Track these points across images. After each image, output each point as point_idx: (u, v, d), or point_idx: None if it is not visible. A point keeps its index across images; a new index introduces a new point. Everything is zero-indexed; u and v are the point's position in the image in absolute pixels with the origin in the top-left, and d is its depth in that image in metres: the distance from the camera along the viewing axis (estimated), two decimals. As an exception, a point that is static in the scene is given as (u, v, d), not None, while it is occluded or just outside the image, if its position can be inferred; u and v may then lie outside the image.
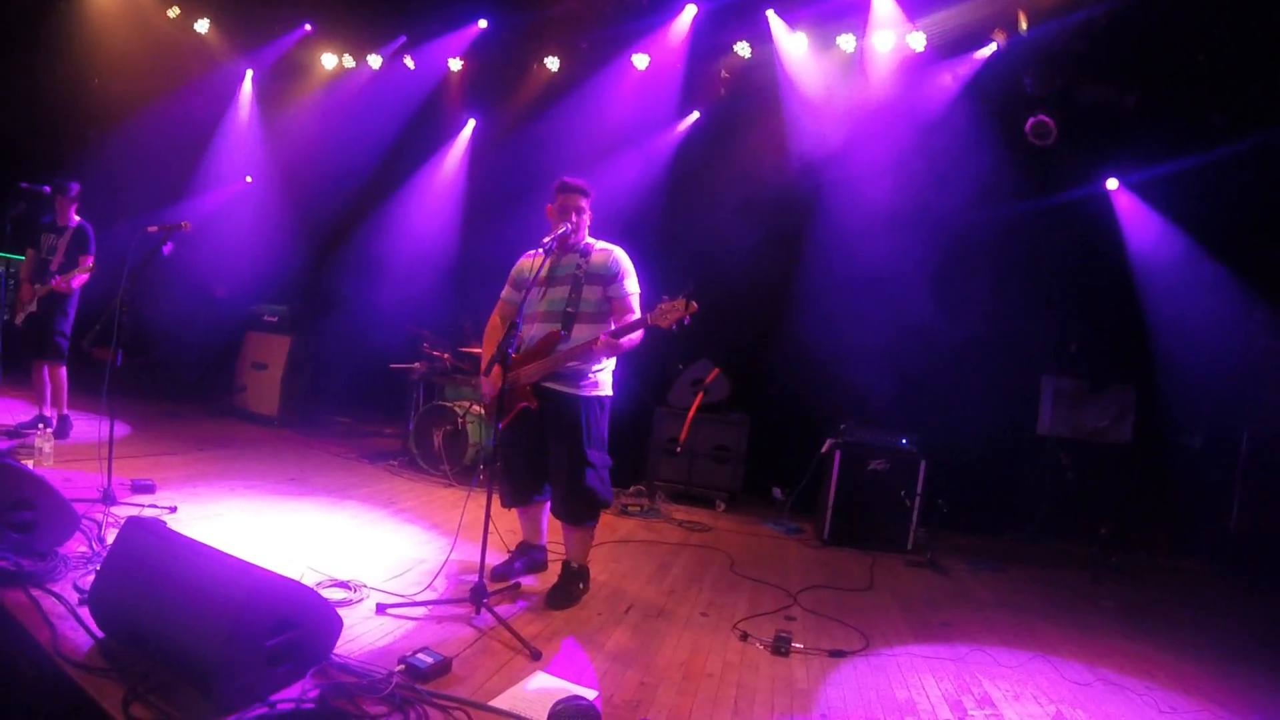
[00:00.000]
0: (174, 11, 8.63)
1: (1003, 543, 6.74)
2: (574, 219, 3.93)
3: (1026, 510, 7.00)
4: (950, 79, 6.98)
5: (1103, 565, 5.92)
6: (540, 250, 3.84)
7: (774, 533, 6.33)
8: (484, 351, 4.20)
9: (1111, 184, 7.07)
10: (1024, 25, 6.42)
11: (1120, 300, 6.88)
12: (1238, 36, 6.01)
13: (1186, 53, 6.24)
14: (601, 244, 4.05)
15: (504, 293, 4.23)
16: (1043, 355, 7.01)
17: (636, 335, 3.80)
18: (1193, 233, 6.72)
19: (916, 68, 7.00)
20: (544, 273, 3.99)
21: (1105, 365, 6.84)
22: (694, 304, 3.52)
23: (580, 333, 3.87)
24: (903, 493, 6.02)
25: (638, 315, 3.85)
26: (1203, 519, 6.67)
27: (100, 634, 2.81)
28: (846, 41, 7.09)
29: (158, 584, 2.71)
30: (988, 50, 6.80)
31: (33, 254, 6.16)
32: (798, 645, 3.69)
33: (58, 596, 3.06)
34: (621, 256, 4.01)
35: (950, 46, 6.89)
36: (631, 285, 3.96)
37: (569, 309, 3.90)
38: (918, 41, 6.81)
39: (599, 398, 4.00)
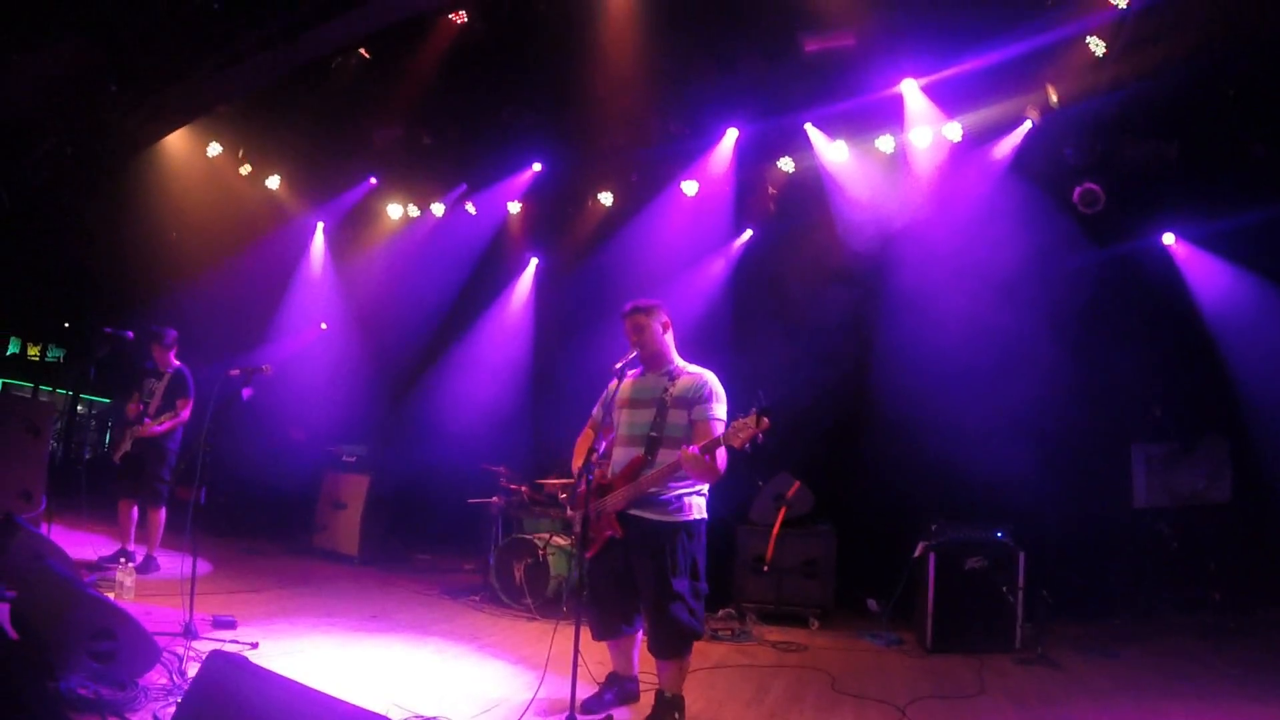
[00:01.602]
0: (246, 168, 9.24)
1: (1113, 626, 6.27)
2: (636, 339, 3.93)
3: (1133, 588, 6.52)
4: (994, 161, 7.04)
5: (1221, 632, 5.51)
6: (626, 372, 3.87)
7: (873, 646, 5.98)
8: (574, 463, 4.14)
9: (1168, 239, 6.95)
10: (1054, 99, 6.48)
11: (1197, 355, 6.66)
12: (1260, 64, 5.95)
13: (1215, 91, 6.18)
14: (692, 368, 4.00)
15: (595, 412, 4.23)
16: (1128, 423, 6.71)
17: (723, 456, 3.63)
18: (1262, 273, 6.52)
19: (957, 156, 7.08)
20: (624, 394, 3.98)
21: (1192, 423, 6.51)
22: (765, 420, 3.40)
23: (665, 458, 3.76)
24: (1004, 589, 5.67)
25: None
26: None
27: None
28: (885, 143, 7.26)
29: (241, 718, 2.65)
30: (1024, 129, 6.87)
31: (137, 397, 6.44)
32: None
33: None
34: (710, 380, 3.91)
35: (987, 131, 6.99)
36: (718, 410, 3.80)
37: (653, 433, 3.82)
38: (954, 132, 6.93)
39: (688, 523, 3.83)
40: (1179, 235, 6.96)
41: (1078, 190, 6.69)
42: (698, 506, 3.88)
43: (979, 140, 7.03)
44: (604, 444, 4.08)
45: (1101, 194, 6.62)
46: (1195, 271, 6.90)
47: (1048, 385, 6.68)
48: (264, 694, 2.70)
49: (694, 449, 3.54)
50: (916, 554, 6.03)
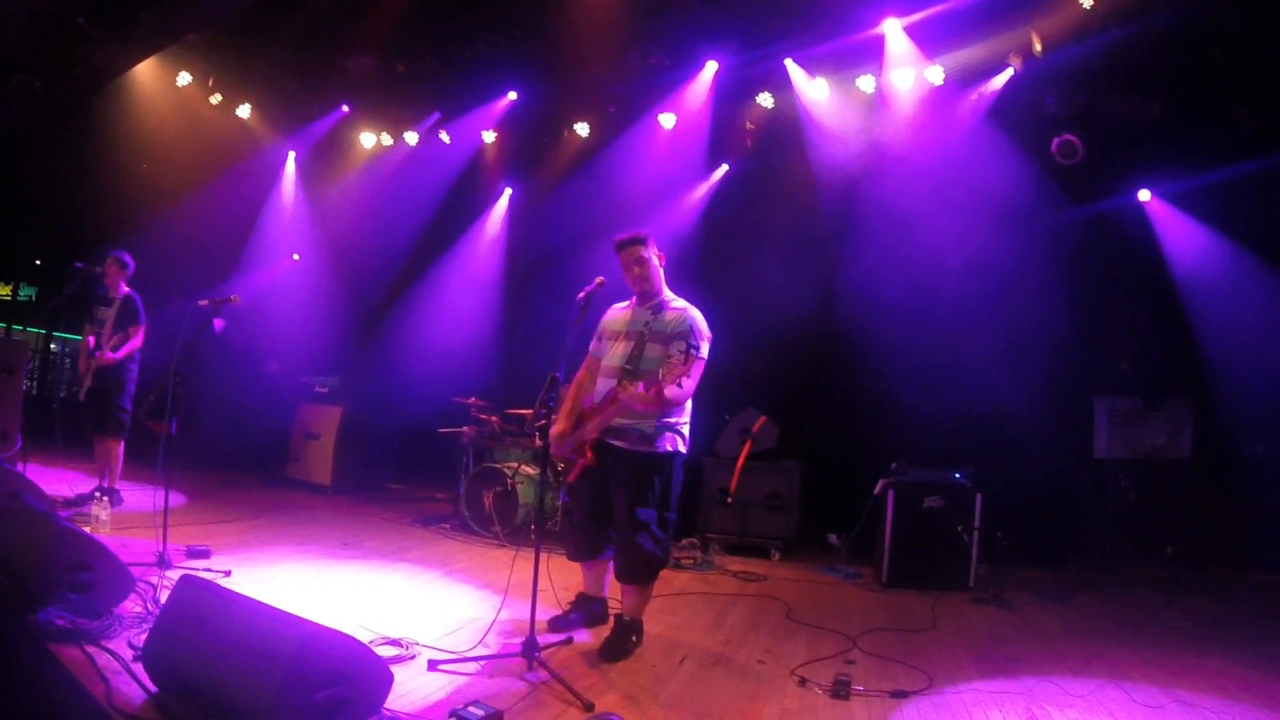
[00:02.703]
0: (216, 98, 9.03)
1: (1068, 573, 6.51)
2: (638, 270, 3.95)
3: (1090, 537, 6.75)
4: (973, 106, 7.01)
5: (1173, 585, 5.68)
6: (624, 304, 3.93)
7: (832, 579, 6.18)
8: (570, 397, 4.21)
9: (1144, 195, 6.98)
10: (1038, 47, 6.44)
11: (1167, 313, 6.76)
12: (1250, 28, 5.94)
13: (1203, 53, 6.17)
14: (679, 302, 4.02)
15: (593, 346, 4.23)
16: (1094, 376, 6.84)
17: (683, 390, 3.66)
18: (1237, 236, 6.58)
19: (938, 99, 7.04)
20: (617, 325, 4.04)
21: (1158, 381, 6.65)
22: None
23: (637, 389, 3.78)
24: (960, 528, 5.85)
25: (690, 379, 3.69)
26: (1273, 529, 6.36)
27: (153, 688, 2.85)
28: (866, 82, 7.20)
29: (210, 638, 2.75)
30: (1006, 75, 6.82)
31: (89, 329, 6.34)
32: (858, 688, 3.57)
33: (112, 653, 3.13)
34: (694, 318, 3.89)
35: (969, 76, 6.95)
36: (692, 347, 3.73)
37: (627, 365, 3.87)
38: (936, 75, 6.88)
39: (662, 454, 3.89)
40: (1155, 193, 6.98)
41: (1056, 141, 6.70)
42: (675, 441, 3.95)
43: (960, 84, 6.97)
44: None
45: (1080, 146, 6.62)
46: (1170, 231, 6.94)
47: (1016, 333, 6.78)
48: (233, 615, 2.80)
49: (639, 388, 3.60)
50: (876, 491, 6.18)
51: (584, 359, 4.28)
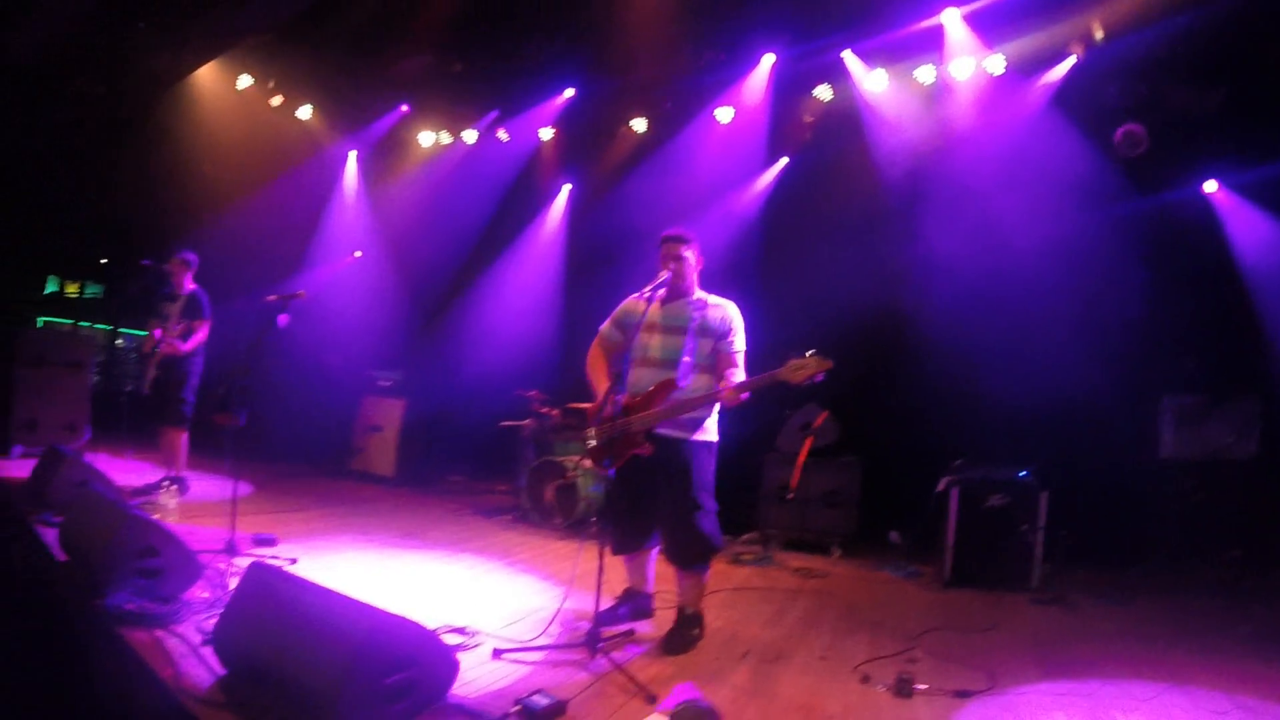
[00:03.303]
0: (277, 100, 9.23)
1: (1130, 575, 6.30)
2: (673, 267, 4.00)
3: (1153, 538, 6.53)
4: (1035, 95, 6.85)
5: (1236, 590, 5.50)
6: (644, 295, 3.94)
7: (892, 577, 6.10)
8: (591, 378, 4.24)
9: (1210, 186, 6.72)
10: (1100, 34, 6.27)
11: (1234, 307, 6.47)
12: None
13: (1267, 39, 5.95)
14: (716, 299, 4.11)
15: (605, 328, 4.29)
16: (1159, 373, 6.61)
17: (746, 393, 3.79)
18: None
19: (999, 89, 6.91)
20: (652, 318, 4.05)
21: (1224, 377, 6.40)
22: (829, 361, 3.50)
23: (695, 382, 3.92)
24: (1025, 527, 5.72)
25: (743, 372, 3.90)
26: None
27: (222, 671, 2.91)
28: (925, 73, 7.10)
29: (279, 623, 2.80)
30: (1068, 64, 6.66)
31: (154, 323, 6.48)
32: (921, 686, 3.52)
33: (180, 637, 3.21)
34: (736, 314, 4.07)
35: (1030, 65, 6.80)
36: (741, 342, 4.02)
37: (686, 358, 3.94)
38: (996, 65, 6.76)
39: (707, 443, 4.02)
40: (1222, 184, 6.72)
41: (1120, 131, 6.51)
42: (712, 429, 4.06)
43: (1021, 74, 6.83)
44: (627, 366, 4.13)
45: (1144, 136, 6.43)
46: (1236, 222, 6.67)
47: (1080, 327, 6.59)
48: (302, 600, 2.85)
49: (731, 385, 3.72)
50: (940, 488, 6.08)
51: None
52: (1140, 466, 6.60)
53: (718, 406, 4.03)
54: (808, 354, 3.53)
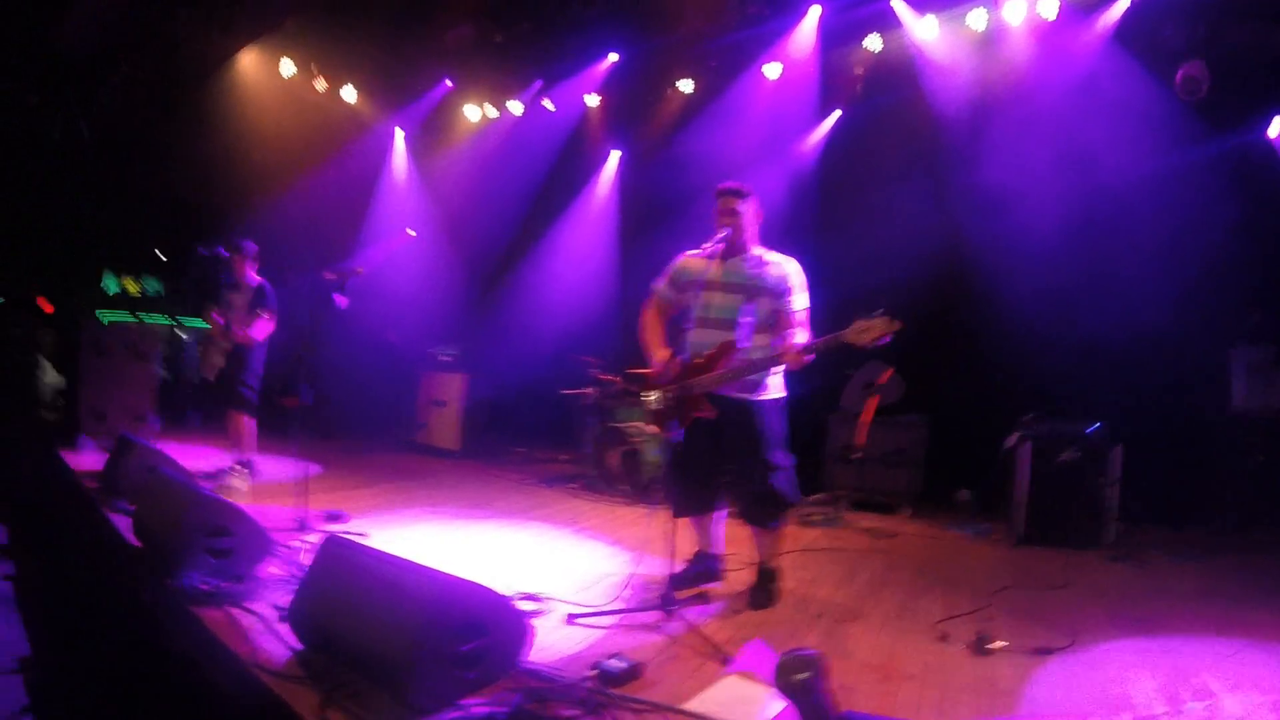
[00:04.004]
0: (320, 83, 9.25)
1: (1203, 533, 6.10)
2: (729, 221, 3.91)
3: (1224, 496, 6.28)
4: (1090, 37, 6.56)
5: None
6: (702, 252, 3.89)
7: (962, 535, 6.00)
8: (645, 340, 4.16)
9: (1274, 129, 6.35)
10: None
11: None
12: None
13: None
14: (776, 256, 4.00)
15: (660, 287, 4.19)
16: (1227, 325, 6.32)
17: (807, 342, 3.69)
18: None
19: (1053, 33, 6.64)
20: (712, 276, 3.97)
21: None
22: (898, 322, 3.38)
23: (756, 343, 3.83)
24: (1099, 482, 5.55)
25: (805, 332, 3.81)
26: None
27: (298, 645, 2.95)
28: (977, 19, 6.83)
29: (354, 594, 2.82)
30: (1123, 6, 6.37)
31: (218, 311, 6.45)
32: (1000, 644, 3.46)
33: (255, 614, 3.25)
34: (796, 271, 3.95)
35: (1084, 7, 6.51)
36: (802, 301, 3.91)
37: (744, 318, 3.86)
38: (1049, 9, 6.48)
39: (775, 400, 3.96)
40: None
41: (1180, 74, 6.20)
42: (778, 385, 4.00)
43: (1074, 16, 6.55)
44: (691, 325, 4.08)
45: (1203, 80, 6.11)
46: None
47: (1145, 280, 6.32)
48: (375, 571, 2.87)
49: (794, 347, 3.60)
50: (1010, 444, 5.93)
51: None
52: (1211, 421, 6.36)
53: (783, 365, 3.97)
54: (875, 314, 3.41)
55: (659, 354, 4.03)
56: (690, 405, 3.88)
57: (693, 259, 4.09)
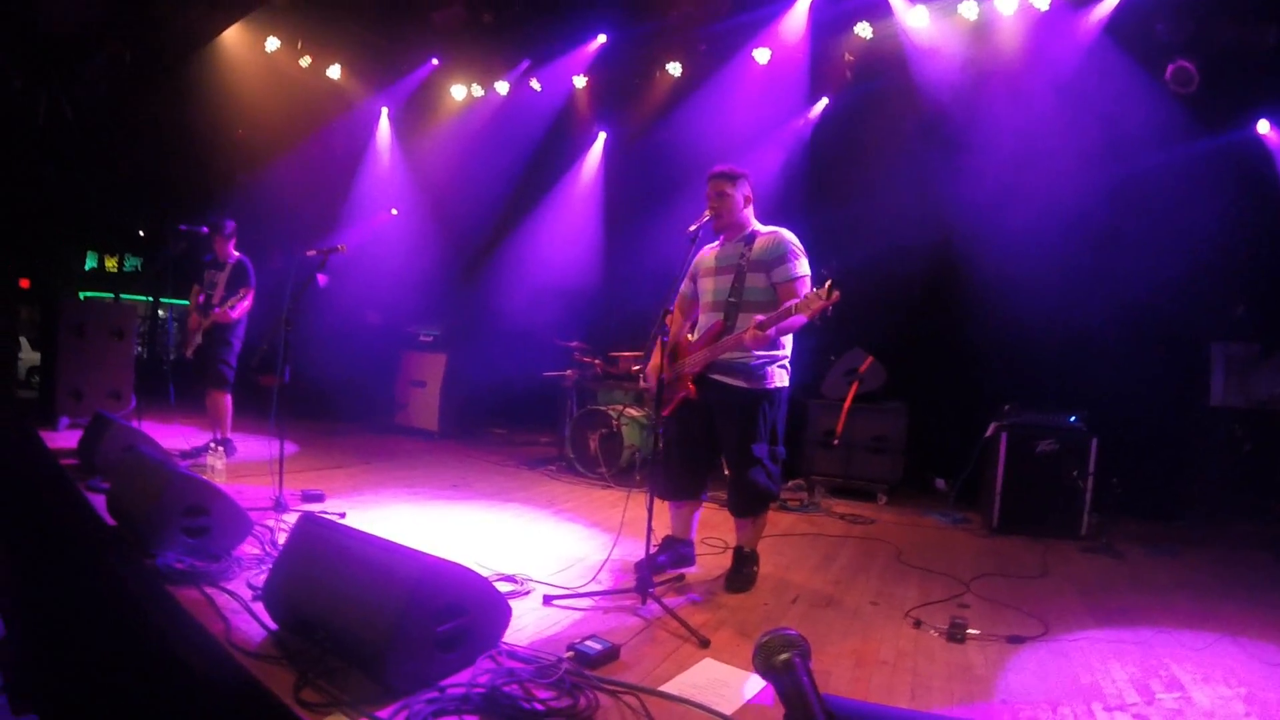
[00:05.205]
0: (306, 60, 9.12)
1: (1178, 525, 6.18)
2: (717, 205, 3.91)
3: (1201, 489, 6.38)
4: (1081, 31, 6.57)
5: None
6: (716, 244, 3.94)
7: (939, 523, 6.05)
8: (650, 342, 4.20)
9: (1263, 127, 6.40)
10: None
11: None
12: None
13: None
14: (767, 228, 4.00)
15: (683, 287, 4.25)
16: (1209, 320, 6.39)
17: (795, 321, 3.59)
18: None
19: (1044, 25, 6.64)
20: (709, 262, 4.05)
21: (1276, 325, 6.16)
22: (836, 292, 3.34)
23: (744, 323, 3.78)
24: (1075, 473, 5.62)
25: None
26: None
27: (273, 625, 2.93)
28: (968, 9, 6.83)
29: (330, 573, 2.79)
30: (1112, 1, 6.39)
31: (197, 290, 6.46)
32: (974, 631, 3.49)
33: (231, 593, 3.23)
34: (786, 239, 3.90)
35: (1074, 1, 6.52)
36: (799, 268, 3.82)
37: (731, 298, 3.87)
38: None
39: (770, 390, 3.91)
40: (1275, 124, 6.39)
41: (1171, 68, 6.23)
42: (780, 375, 3.96)
43: (1065, 9, 6.56)
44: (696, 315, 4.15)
45: (1195, 72, 6.14)
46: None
47: (1130, 274, 6.38)
48: (352, 550, 2.84)
49: (753, 321, 3.56)
50: (989, 434, 5.98)
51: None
52: (1190, 415, 6.44)
53: (788, 349, 3.97)
54: (821, 286, 3.40)
55: (651, 362, 4.07)
56: (675, 387, 3.92)
57: (706, 250, 4.15)
